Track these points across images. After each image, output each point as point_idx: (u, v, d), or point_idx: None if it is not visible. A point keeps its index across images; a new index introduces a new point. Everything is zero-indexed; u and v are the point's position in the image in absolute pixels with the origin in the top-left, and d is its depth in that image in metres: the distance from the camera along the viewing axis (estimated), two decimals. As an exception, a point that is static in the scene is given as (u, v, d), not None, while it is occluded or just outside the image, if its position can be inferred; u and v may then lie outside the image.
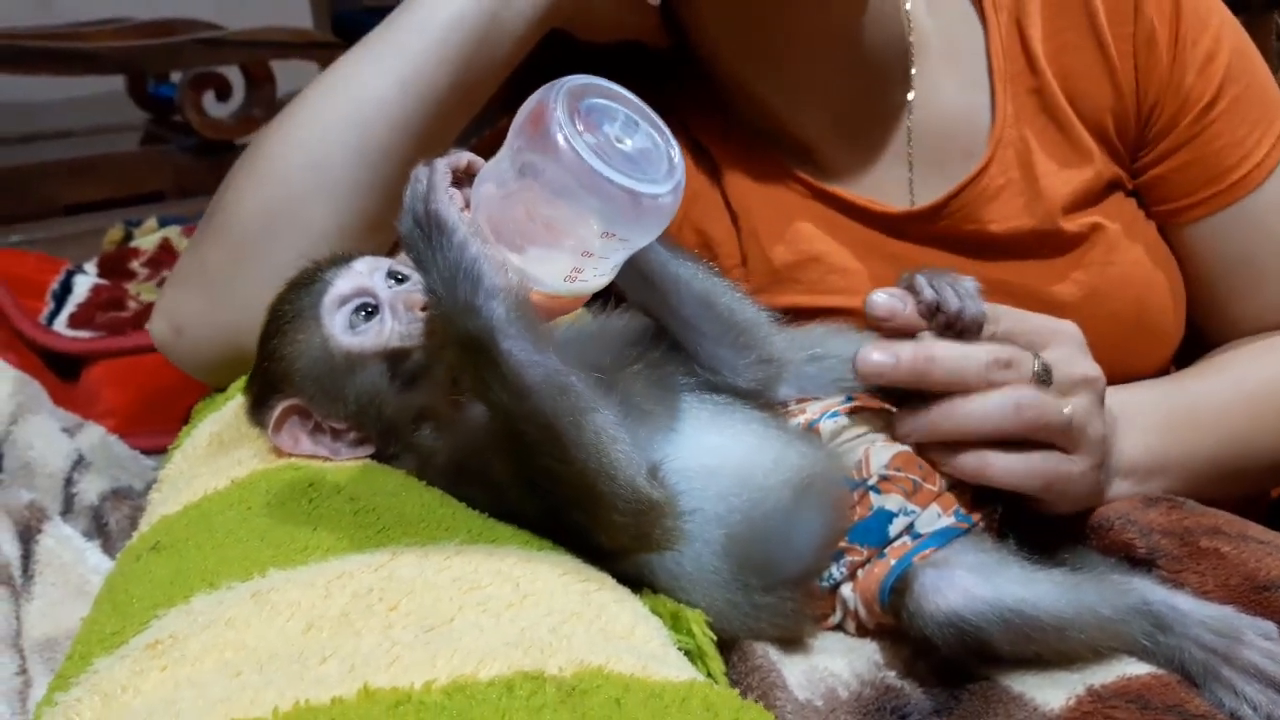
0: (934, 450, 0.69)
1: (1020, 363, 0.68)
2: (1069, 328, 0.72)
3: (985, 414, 0.67)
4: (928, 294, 0.67)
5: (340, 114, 0.79)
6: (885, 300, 0.68)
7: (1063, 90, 0.85)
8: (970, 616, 0.62)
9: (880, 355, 0.66)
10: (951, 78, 0.88)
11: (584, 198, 0.55)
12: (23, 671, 0.71)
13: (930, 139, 0.88)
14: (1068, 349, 0.70)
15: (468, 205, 0.58)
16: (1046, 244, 0.86)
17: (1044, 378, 0.68)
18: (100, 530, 0.90)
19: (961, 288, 0.67)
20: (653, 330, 0.70)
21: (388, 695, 0.44)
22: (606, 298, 0.70)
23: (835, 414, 0.70)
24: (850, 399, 0.71)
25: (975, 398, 0.67)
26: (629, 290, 0.68)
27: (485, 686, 0.45)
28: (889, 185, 0.88)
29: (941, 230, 0.86)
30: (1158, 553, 0.69)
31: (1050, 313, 0.72)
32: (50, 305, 1.31)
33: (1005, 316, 0.69)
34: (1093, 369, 0.71)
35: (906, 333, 0.68)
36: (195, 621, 0.53)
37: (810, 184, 0.88)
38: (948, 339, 0.67)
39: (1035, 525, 0.71)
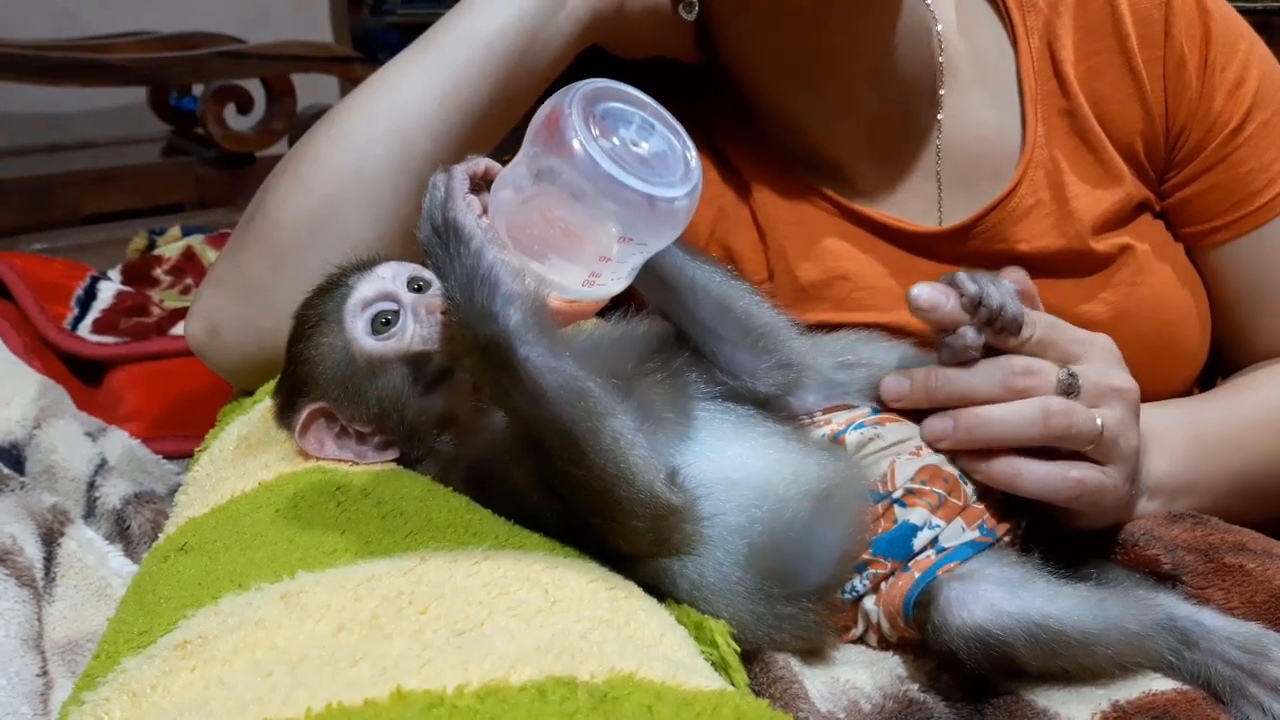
0: (965, 457, 0.69)
1: (1043, 371, 0.68)
2: (1103, 340, 0.72)
3: (1014, 421, 0.67)
4: (970, 288, 0.67)
5: (382, 124, 0.79)
6: (929, 294, 0.68)
7: (1094, 112, 0.85)
8: (996, 630, 0.62)
9: (896, 378, 0.71)
10: (982, 99, 0.88)
11: (600, 202, 0.55)
12: (44, 673, 0.71)
13: (960, 159, 0.88)
14: (1102, 361, 0.71)
15: (486, 211, 0.58)
16: (1076, 264, 0.86)
17: (1070, 386, 0.68)
18: (122, 534, 0.89)
19: (1003, 286, 0.68)
20: (674, 338, 0.70)
21: (420, 698, 0.44)
22: (628, 304, 0.70)
23: (861, 425, 0.71)
24: (877, 410, 0.72)
25: (1004, 405, 0.67)
26: (647, 294, 0.68)
27: (518, 691, 0.45)
28: (918, 205, 0.88)
29: (970, 250, 0.86)
30: (1182, 569, 0.69)
31: None
32: (75, 311, 1.31)
33: (1041, 322, 0.69)
34: (1126, 381, 0.71)
35: (948, 327, 0.68)
36: (225, 622, 0.53)
37: (839, 202, 0.88)
38: (986, 335, 0.68)
39: (1059, 541, 0.71)
